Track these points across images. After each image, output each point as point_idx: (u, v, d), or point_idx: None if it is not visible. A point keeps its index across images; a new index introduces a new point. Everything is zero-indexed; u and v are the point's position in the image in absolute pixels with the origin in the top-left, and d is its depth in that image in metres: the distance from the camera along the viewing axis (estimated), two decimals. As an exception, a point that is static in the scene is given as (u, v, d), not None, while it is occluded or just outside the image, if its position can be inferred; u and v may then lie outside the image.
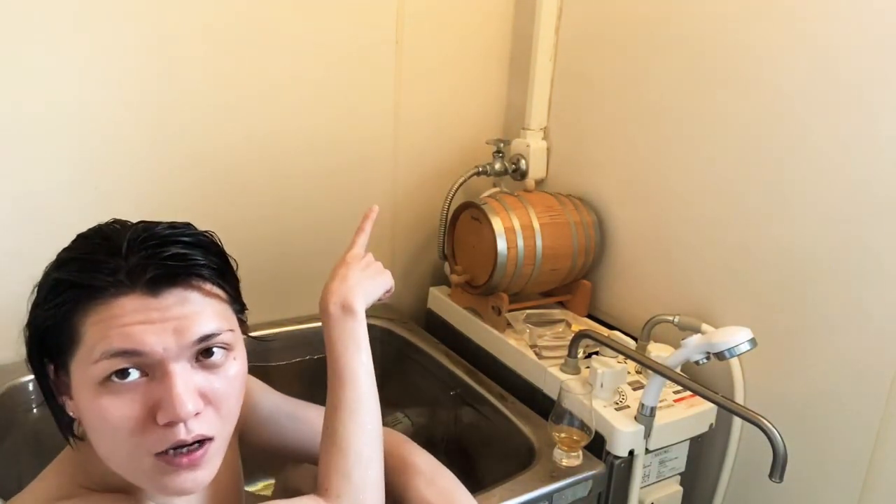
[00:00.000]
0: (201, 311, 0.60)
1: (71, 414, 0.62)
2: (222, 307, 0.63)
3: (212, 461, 0.61)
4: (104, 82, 1.16)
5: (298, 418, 0.88)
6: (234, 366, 0.63)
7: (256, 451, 0.87)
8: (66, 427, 0.64)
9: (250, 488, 1.30)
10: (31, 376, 1.12)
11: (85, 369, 0.57)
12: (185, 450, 0.58)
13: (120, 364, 0.56)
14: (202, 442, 0.59)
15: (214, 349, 0.61)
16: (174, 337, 0.58)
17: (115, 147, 1.20)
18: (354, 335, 0.79)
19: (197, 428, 0.58)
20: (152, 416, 0.57)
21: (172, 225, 0.63)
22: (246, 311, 0.69)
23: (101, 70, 1.15)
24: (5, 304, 1.09)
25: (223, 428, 0.62)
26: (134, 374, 0.57)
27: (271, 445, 0.87)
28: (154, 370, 0.58)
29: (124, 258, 0.58)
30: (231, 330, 0.63)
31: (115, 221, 0.64)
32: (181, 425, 0.57)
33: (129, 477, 0.61)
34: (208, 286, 0.62)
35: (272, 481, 1.29)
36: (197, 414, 0.58)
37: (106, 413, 0.57)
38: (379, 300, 0.85)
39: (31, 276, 0.63)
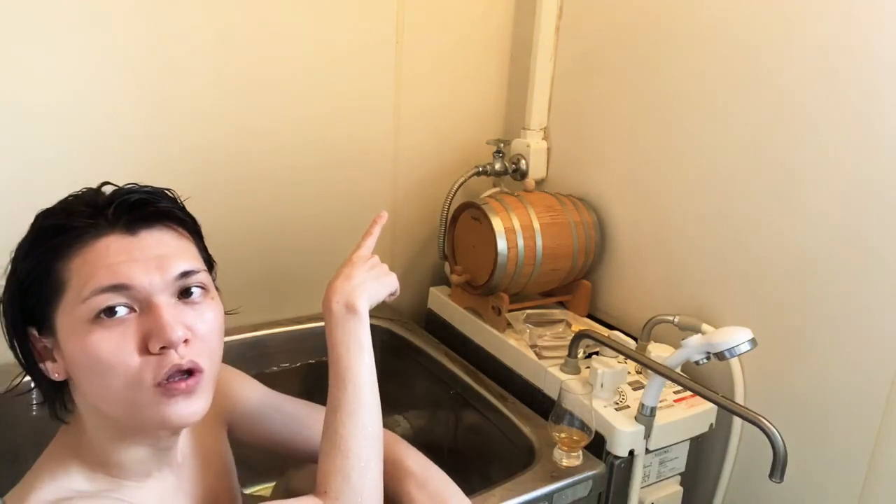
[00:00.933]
0: (178, 250, 0.65)
1: (55, 376, 0.64)
2: (195, 251, 0.68)
3: (204, 393, 0.64)
4: (101, 77, 1.16)
5: (287, 413, 0.88)
6: (211, 306, 0.66)
7: (246, 447, 0.88)
8: (55, 399, 0.66)
9: (248, 490, 1.30)
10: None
11: (73, 311, 0.60)
12: (181, 375, 0.62)
13: (109, 300, 0.60)
14: (194, 372, 0.62)
15: (193, 288, 0.65)
16: (158, 272, 0.62)
17: (111, 142, 1.20)
18: (357, 335, 0.78)
19: (188, 354, 0.62)
20: (144, 346, 0.61)
21: (136, 183, 0.68)
22: (215, 268, 0.73)
23: (98, 64, 1.15)
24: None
25: (211, 363, 0.65)
26: (122, 311, 0.61)
27: (261, 440, 0.87)
28: (141, 305, 0.62)
29: (100, 206, 0.63)
30: (206, 272, 0.68)
31: (85, 188, 0.68)
32: (173, 351, 0.61)
33: (126, 416, 0.63)
34: (180, 229, 0.67)
35: (270, 484, 1.30)
36: (186, 341, 0.62)
37: (99, 349, 0.60)
38: (382, 301, 0.85)
39: (4, 270, 0.65)
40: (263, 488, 1.31)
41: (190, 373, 0.62)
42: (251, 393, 0.87)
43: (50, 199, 1.18)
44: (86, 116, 1.17)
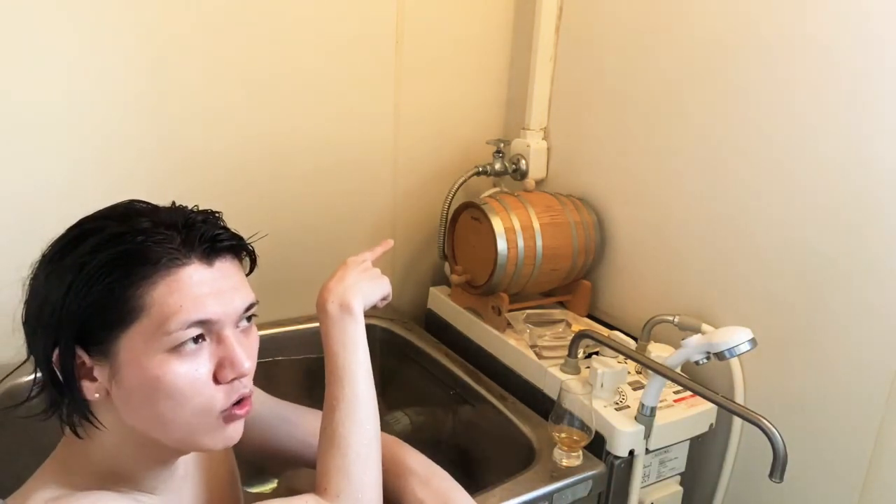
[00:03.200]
0: (243, 281, 0.67)
1: (95, 396, 0.62)
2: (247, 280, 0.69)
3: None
4: (100, 82, 1.16)
5: (290, 421, 0.88)
6: (255, 333, 0.69)
7: (246, 454, 0.87)
8: (77, 415, 0.64)
9: (252, 489, 1.30)
10: (32, 376, 1.13)
11: (151, 339, 0.60)
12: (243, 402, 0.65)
13: (195, 332, 0.61)
14: (248, 397, 0.66)
15: (251, 317, 0.67)
16: (231, 305, 0.64)
17: (111, 147, 1.20)
18: (352, 334, 0.79)
19: (248, 383, 0.66)
20: (214, 375, 0.63)
21: (188, 207, 0.67)
22: None
23: (97, 70, 1.15)
24: (4, 305, 1.08)
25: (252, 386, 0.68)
26: (200, 341, 0.62)
27: (263, 448, 0.87)
28: (212, 335, 0.63)
29: (178, 231, 0.62)
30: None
31: (136, 201, 0.67)
32: (243, 379, 0.64)
33: (180, 439, 0.64)
34: (240, 260, 0.68)
35: (271, 484, 1.29)
36: None
37: (178, 377, 0.61)
38: (375, 306, 0.86)
39: (25, 283, 0.64)
40: (263, 489, 1.31)
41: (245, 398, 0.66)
42: (254, 401, 0.87)
43: (46, 207, 1.19)
44: (83, 125, 1.17)
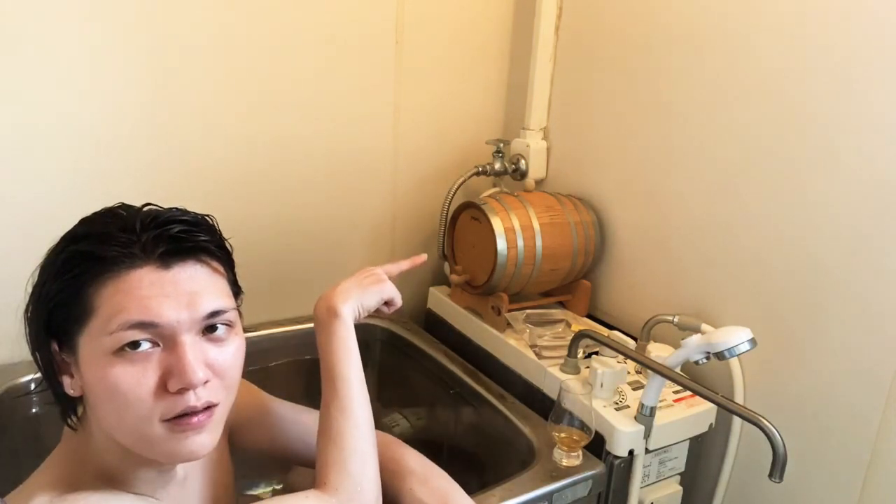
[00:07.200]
0: (210, 287, 0.64)
1: (70, 392, 0.64)
2: (225, 286, 0.67)
3: (216, 427, 0.64)
4: (103, 90, 1.16)
5: (287, 418, 0.89)
6: (235, 340, 0.66)
7: (247, 454, 0.88)
8: (68, 408, 0.66)
9: (247, 492, 1.30)
10: (31, 376, 1.13)
11: (98, 340, 0.60)
12: (193, 413, 0.61)
13: (136, 335, 0.59)
14: (208, 407, 0.62)
15: (219, 325, 0.64)
16: (187, 310, 0.61)
17: (112, 154, 1.20)
18: (340, 336, 0.81)
19: (205, 395, 0.62)
20: (163, 384, 0.60)
21: (177, 208, 0.67)
22: (241, 296, 0.72)
23: (100, 78, 1.16)
24: (5, 306, 1.08)
25: (227, 396, 0.65)
26: (146, 345, 0.60)
27: (261, 447, 0.88)
28: (165, 341, 0.61)
29: (137, 234, 0.61)
30: (234, 308, 0.67)
31: (122, 205, 0.67)
32: (191, 392, 0.60)
33: (136, 446, 0.63)
34: (214, 263, 0.65)
35: (265, 488, 1.29)
36: (205, 382, 0.62)
37: (119, 381, 0.59)
38: (378, 312, 0.88)
39: (29, 279, 0.65)
40: (264, 491, 1.31)
41: (206, 408, 0.62)
42: (253, 401, 0.88)
43: (51, 213, 1.19)
44: (89, 131, 1.17)
